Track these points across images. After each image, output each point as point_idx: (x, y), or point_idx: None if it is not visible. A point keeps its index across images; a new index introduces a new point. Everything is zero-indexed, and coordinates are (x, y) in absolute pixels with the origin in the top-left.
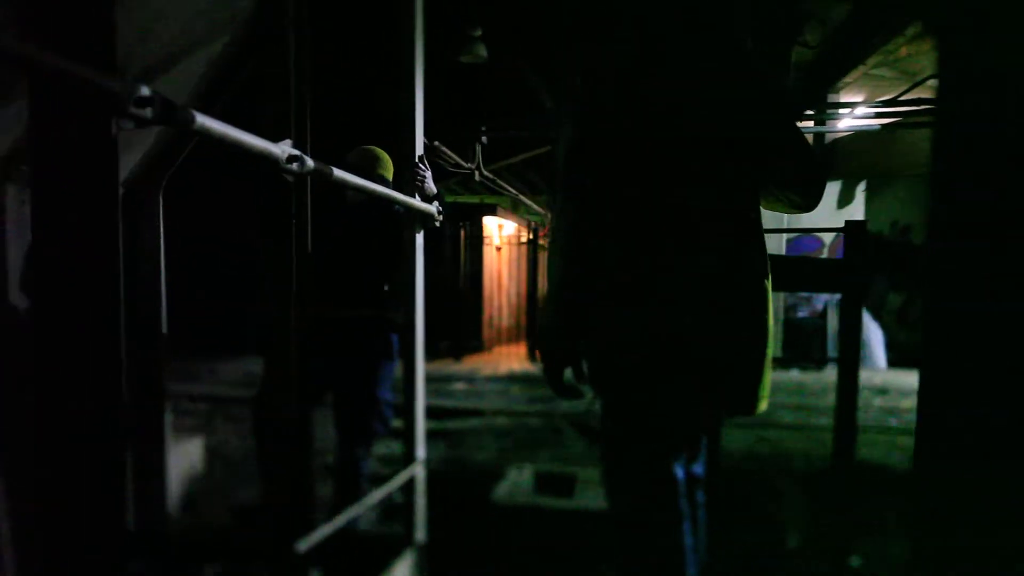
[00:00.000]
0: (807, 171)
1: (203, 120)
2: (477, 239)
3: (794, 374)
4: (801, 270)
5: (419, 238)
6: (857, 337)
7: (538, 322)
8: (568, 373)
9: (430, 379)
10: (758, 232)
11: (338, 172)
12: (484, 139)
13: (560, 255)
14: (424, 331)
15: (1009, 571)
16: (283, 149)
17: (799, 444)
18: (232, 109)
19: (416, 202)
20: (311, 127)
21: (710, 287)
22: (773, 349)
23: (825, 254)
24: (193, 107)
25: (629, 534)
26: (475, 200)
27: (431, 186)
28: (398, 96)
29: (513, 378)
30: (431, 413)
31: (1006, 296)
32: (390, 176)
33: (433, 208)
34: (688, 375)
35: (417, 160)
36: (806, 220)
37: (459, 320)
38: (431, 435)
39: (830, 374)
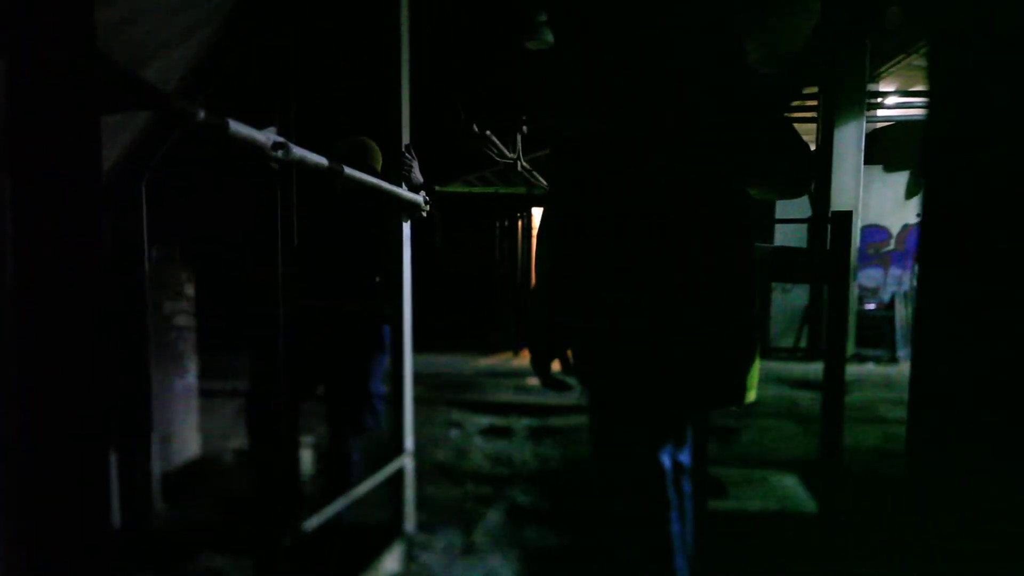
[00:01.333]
0: (798, 162)
1: (186, 106)
2: (527, 232)
3: (870, 367)
4: (789, 260)
5: (406, 228)
6: (843, 327)
7: (526, 316)
8: (556, 366)
9: (498, 374)
10: (745, 224)
11: (325, 160)
12: (525, 129)
13: (547, 249)
14: (471, 324)
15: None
16: (268, 136)
17: None
18: (217, 103)
19: (403, 192)
20: (297, 116)
21: (692, 281)
22: (801, 342)
23: (892, 245)
24: (177, 96)
25: (617, 523)
26: (490, 191)
27: (418, 176)
28: (384, 85)
29: None
30: (530, 410)
31: (994, 295)
32: (379, 167)
33: (420, 198)
34: (670, 367)
35: (404, 149)
36: (888, 209)
37: (516, 314)
38: (537, 433)
39: (906, 366)
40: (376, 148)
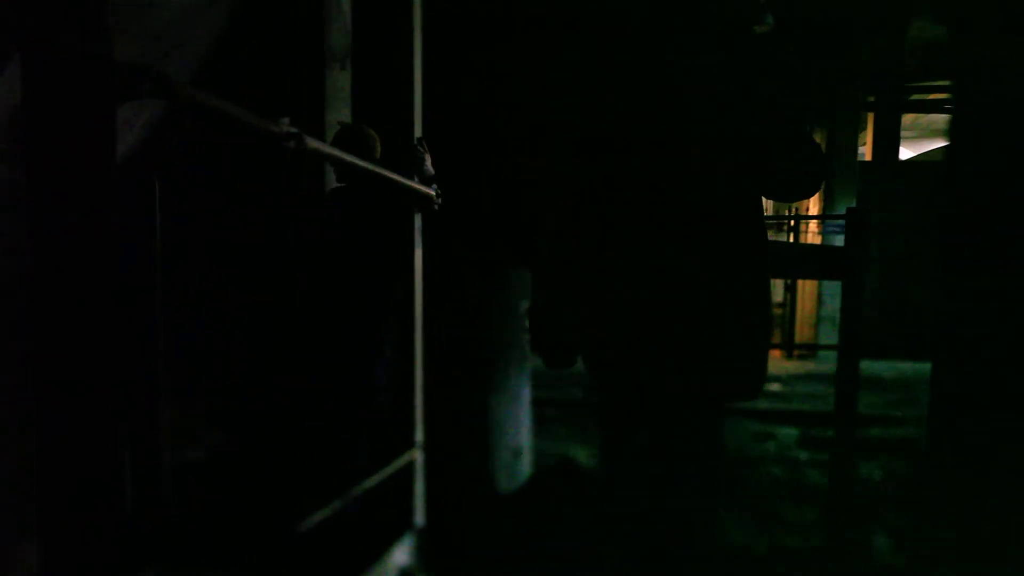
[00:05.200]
0: (808, 164)
1: (199, 95)
2: None
3: None
4: (802, 258)
5: (418, 221)
6: (857, 325)
7: (533, 309)
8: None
9: None
10: (759, 225)
11: (339, 152)
12: None
13: (554, 243)
14: None
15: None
16: (281, 127)
17: None
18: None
19: (416, 185)
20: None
21: (703, 279)
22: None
23: None
24: (191, 85)
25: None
26: None
27: (429, 168)
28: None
29: (811, 376)
30: (828, 419)
31: (1016, 295)
32: (378, 156)
33: (432, 191)
34: (684, 363)
35: (416, 142)
36: None
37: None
38: (863, 444)
39: None
40: (375, 136)
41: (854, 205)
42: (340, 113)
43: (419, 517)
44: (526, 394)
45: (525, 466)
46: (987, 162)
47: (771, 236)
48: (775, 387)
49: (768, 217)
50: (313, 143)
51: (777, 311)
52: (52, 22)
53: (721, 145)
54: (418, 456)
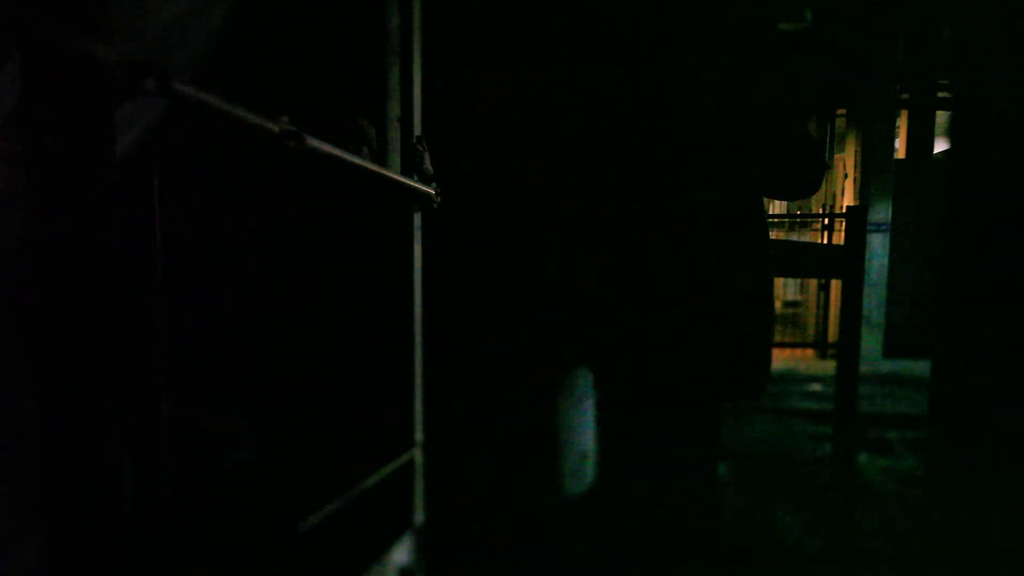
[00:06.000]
0: (807, 164)
1: (196, 92)
2: None
3: None
4: (803, 256)
5: (417, 220)
6: (857, 323)
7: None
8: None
9: (786, 379)
10: (760, 223)
11: (338, 151)
12: None
13: (558, 248)
14: None
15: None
16: (279, 125)
17: None
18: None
19: (415, 183)
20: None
21: (709, 281)
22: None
23: None
24: (189, 81)
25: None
26: None
27: (428, 167)
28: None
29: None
30: (895, 422)
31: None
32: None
33: (431, 190)
34: (690, 364)
35: (415, 141)
36: None
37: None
38: (914, 445)
39: None
40: (373, 131)
41: (890, 203)
42: (398, 107)
43: (419, 516)
44: (591, 395)
45: (590, 469)
46: (987, 162)
47: (804, 236)
48: (817, 387)
49: (801, 215)
50: (312, 142)
51: (793, 310)
52: (51, 19)
53: (720, 145)
54: (418, 455)
